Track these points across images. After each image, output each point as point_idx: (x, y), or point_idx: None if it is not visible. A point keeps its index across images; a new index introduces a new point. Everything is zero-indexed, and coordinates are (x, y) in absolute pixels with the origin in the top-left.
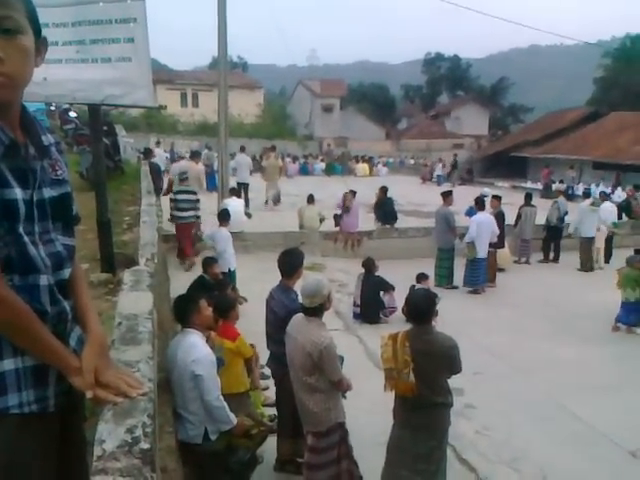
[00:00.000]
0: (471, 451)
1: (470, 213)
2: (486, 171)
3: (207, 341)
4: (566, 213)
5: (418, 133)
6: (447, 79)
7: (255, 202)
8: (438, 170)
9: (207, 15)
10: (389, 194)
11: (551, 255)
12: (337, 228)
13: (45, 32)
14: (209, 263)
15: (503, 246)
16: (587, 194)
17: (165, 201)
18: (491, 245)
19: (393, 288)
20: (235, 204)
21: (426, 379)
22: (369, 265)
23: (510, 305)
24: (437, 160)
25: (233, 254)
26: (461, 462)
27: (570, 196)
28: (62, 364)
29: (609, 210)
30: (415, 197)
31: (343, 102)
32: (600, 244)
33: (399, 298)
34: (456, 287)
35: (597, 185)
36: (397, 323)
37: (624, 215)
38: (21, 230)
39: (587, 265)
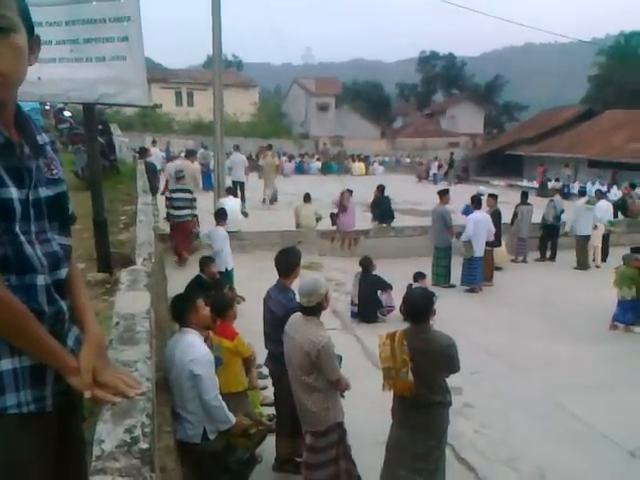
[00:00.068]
0: (470, 450)
1: (467, 212)
2: (482, 169)
3: (205, 340)
4: (562, 211)
5: (413, 132)
6: (442, 77)
7: (252, 201)
8: (434, 169)
9: (201, 13)
10: (386, 193)
11: (548, 254)
12: (334, 227)
13: (38, 31)
14: (206, 262)
15: (500, 245)
16: (582, 192)
17: (161, 200)
18: (488, 244)
19: (390, 287)
20: (232, 203)
21: (424, 378)
22: (366, 264)
23: (507, 304)
24: (433, 159)
25: (230, 253)
26: (460, 461)
27: (566, 194)
28: (60, 364)
29: (605, 208)
30: (411, 196)
31: (338, 101)
32: (597, 242)
33: (396, 297)
34: (453, 286)
35: (593, 183)
36: (395, 322)
37: (620, 213)
38: (17, 230)
39: (583, 263)
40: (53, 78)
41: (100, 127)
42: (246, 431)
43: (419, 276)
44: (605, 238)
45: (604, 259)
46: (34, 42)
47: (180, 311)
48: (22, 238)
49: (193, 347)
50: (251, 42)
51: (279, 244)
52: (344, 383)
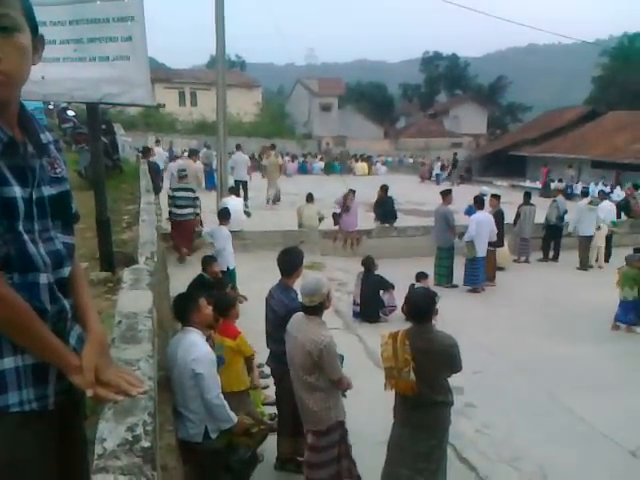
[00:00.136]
0: (471, 450)
1: (469, 212)
2: (484, 170)
3: (208, 340)
4: (565, 212)
5: (416, 132)
6: (445, 78)
7: (255, 201)
8: (437, 169)
9: (205, 14)
10: (389, 193)
11: (551, 254)
12: (336, 227)
13: (42, 30)
14: (208, 262)
15: (502, 245)
16: (585, 193)
17: (164, 199)
18: (490, 244)
19: (393, 287)
20: (234, 203)
21: (426, 378)
22: (369, 264)
23: (509, 304)
24: (436, 159)
25: (232, 253)
26: (461, 461)
27: (569, 195)
28: (62, 362)
29: (608, 209)
30: (414, 196)
31: (341, 101)
32: (601, 243)
33: (399, 297)
34: (456, 286)
35: (596, 184)
36: (397, 322)
37: (623, 214)
38: (20, 228)
39: (585, 264)
40: (57, 77)
41: (103, 127)
42: (248, 430)
43: (421, 276)
44: (608, 239)
45: (607, 260)
46: (38, 41)
47: (182, 310)
48: (25, 237)
49: (195, 346)
50: (254, 43)
51: (281, 244)
52: (346, 383)
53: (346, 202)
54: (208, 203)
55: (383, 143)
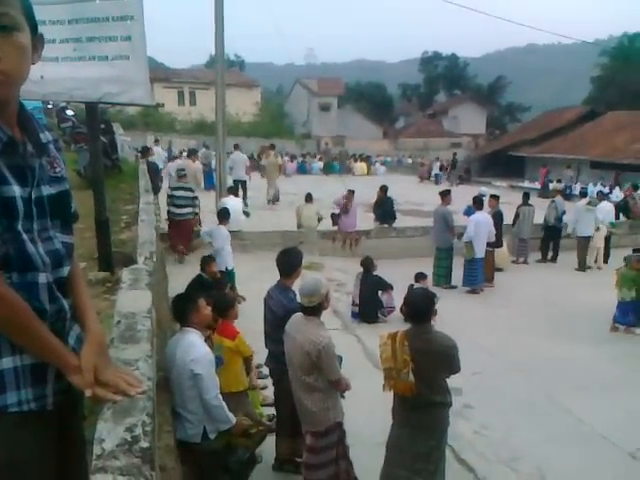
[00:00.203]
0: (469, 451)
1: (468, 212)
2: (483, 170)
3: (206, 340)
4: (564, 213)
5: (416, 132)
6: (444, 78)
7: (254, 201)
8: (436, 169)
9: (204, 13)
10: (388, 193)
11: (549, 255)
12: (335, 227)
13: (41, 30)
14: (207, 262)
15: (501, 246)
16: (584, 193)
17: (163, 199)
18: (489, 245)
19: (391, 287)
20: (233, 203)
21: (425, 379)
22: (367, 264)
23: (508, 305)
24: (435, 159)
25: (230, 253)
26: (459, 462)
27: (568, 196)
28: (61, 362)
29: (607, 210)
30: (413, 196)
31: (340, 101)
32: (600, 244)
33: (397, 297)
34: (454, 286)
35: (595, 185)
36: (395, 322)
37: (622, 215)
38: (20, 228)
39: (583, 265)
40: (56, 77)
41: (102, 126)
42: (246, 431)
43: (420, 277)
44: (607, 240)
45: (606, 260)
46: (38, 40)
47: (181, 311)
48: (24, 236)
49: (194, 347)
50: (254, 42)
51: (280, 244)
52: (344, 383)
53: (347, 205)
54: (207, 203)
55: (382, 143)
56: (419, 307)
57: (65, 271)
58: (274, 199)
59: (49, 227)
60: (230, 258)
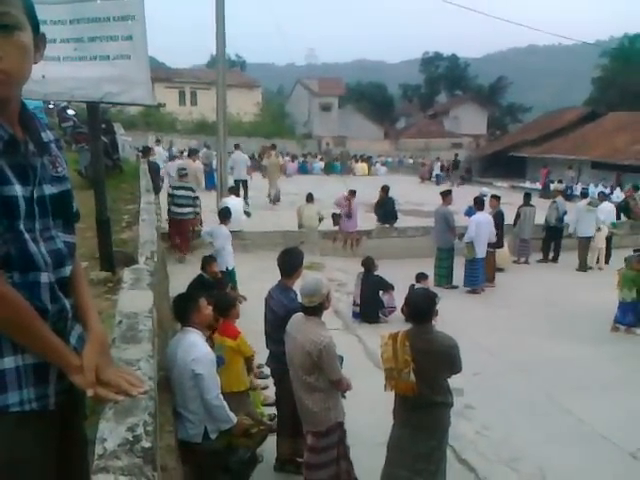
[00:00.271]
0: (470, 451)
1: (469, 213)
2: (484, 171)
3: (207, 340)
4: (565, 213)
5: (416, 132)
6: (445, 78)
7: (255, 201)
8: (437, 169)
9: (205, 13)
10: (389, 194)
11: (550, 255)
12: (336, 227)
13: (43, 29)
14: (208, 261)
15: (502, 246)
16: (585, 194)
17: (164, 199)
18: (490, 245)
19: (392, 287)
20: (234, 203)
21: (426, 379)
22: (368, 264)
23: (509, 305)
24: (435, 159)
25: (231, 253)
26: (460, 462)
27: (569, 196)
28: (63, 362)
29: (608, 210)
30: (414, 196)
31: (341, 101)
32: (601, 244)
33: (398, 298)
34: (455, 287)
35: (596, 185)
36: (396, 323)
37: (623, 215)
38: (22, 227)
39: (584, 265)
40: (57, 76)
41: (103, 126)
42: (247, 431)
43: (421, 277)
44: (608, 240)
45: (607, 261)
46: (39, 40)
47: (182, 310)
48: (26, 236)
49: (195, 346)
50: (255, 42)
51: (281, 244)
52: (345, 383)
53: (350, 209)
54: (208, 203)
55: (383, 143)
56: (420, 307)
57: (67, 271)
58: (275, 199)
59: (51, 227)
60: (231, 258)
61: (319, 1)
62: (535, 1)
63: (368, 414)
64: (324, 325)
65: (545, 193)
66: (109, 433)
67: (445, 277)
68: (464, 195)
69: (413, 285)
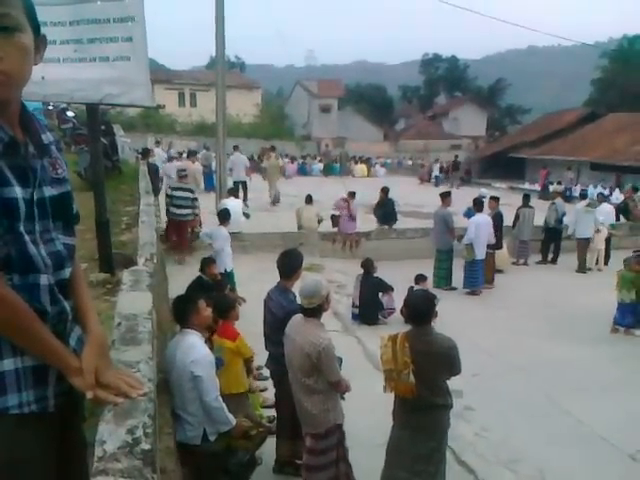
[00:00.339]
0: (469, 452)
1: (468, 214)
2: (484, 172)
3: (206, 342)
4: (564, 214)
5: (416, 134)
6: (445, 80)
7: (254, 202)
8: (436, 171)
9: (205, 15)
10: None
11: (549, 256)
12: (335, 229)
13: (43, 31)
14: (207, 263)
15: (501, 247)
16: (584, 195)
17: (163, 201)
18: (489, 246)
19: (392, 289)
20: (233, 204)
21: (426, 380)
22: (368, 266)
23: (508, 306)
24: (434, 161)
25: (230, 254)
26: (460, 464)
27: (568, 197)
28: (62, 364)
29: (607, 211)
30: (413, 198)
31: (341, 102)
32: (601, 246)
33: (398, 299)
34: (455, 288)
35: (595, 187)
36: (395, 324)
37: (622, 217)
38: (21, 229)
39: (583, 266)
40: (57, 78)
41: (103, 128)
42: (246, 433)
43: (420, 278)
44: (607, 241)
45: (606, 262)
46: (40, 41)
47: (182, 312)
48: (26, 238)
49: (194, 348)
50: (254, 44)
51: (281, 245)
52: (344, 385)
53: (349, 209)
54: (207, 204)
55: (382, 145)
56: (419, 309)
57: (67, 273)
58: (274, 200)
59: (51, 228)
60: (229, 259)
61: (318, 3)
62: (534, 3)
63: (367, 416)
64: (323, 327)
65: (544, 194)
66: (108, 435)
67: (444, 278)
68: (463, 196)
69: (412, 287)
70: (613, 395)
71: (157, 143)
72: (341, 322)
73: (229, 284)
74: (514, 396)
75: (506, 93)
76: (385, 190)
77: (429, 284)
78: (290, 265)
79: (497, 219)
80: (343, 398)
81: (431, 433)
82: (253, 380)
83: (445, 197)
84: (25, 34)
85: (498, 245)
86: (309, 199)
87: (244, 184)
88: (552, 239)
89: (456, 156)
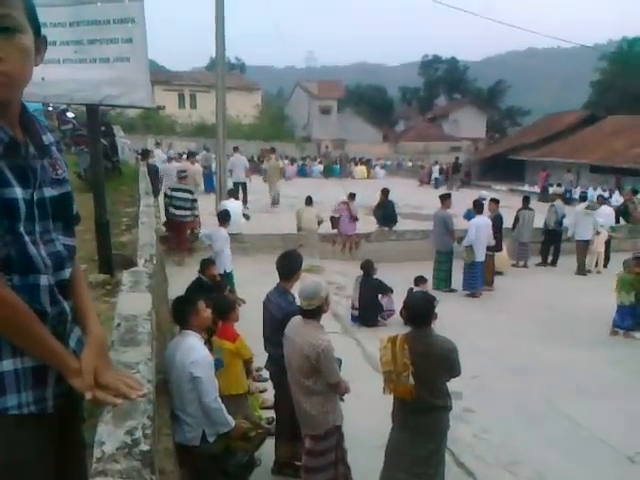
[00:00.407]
0: (469, 455)
1: (468, 216)
2: (483, 174)
3: (206, 343)
4: (564, 216)
5: (416, 135)
6: (444, 81)
7: (255, 204)
8: (435, 173)
9: (205, 16)
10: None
11: (549, 259)
12: (335, 230)
13: (42, 32)
14: (207, 264)
15: (501, 249)
16: (584, 197)
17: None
18: (489, 248)
19: (391, 291)
20: (233, 205)
21: (425, 382)
22: (367, 268)
23: (508, 308)
24: (434, 162)
25: (230, 255)
26: (459, 466)
27: (567, 199)
28: (62, 365)
29: (607, 214)
30: (413, 199)
31: (341, 104)
32: (600, 248)
33: (397, 301)
34: (454, 290)
35: (594, 189)
36: (395, 326)
37: (622, 219)
38: (22, 230)
39: (582, 269)
40: (57, 79)
41: (103, 129)
42: (245, 434)
43: (420, 280)
44: (607, 244)
45: (606, 265)
46: (40, 42)
47: (181, 313)
48: (26, 238)
49: (193, 349)
50: (254, 45)
51: (280, 247)
52: (344, 386)
53: (349, 211)
54: (207, 206)
55: (382, 146)
56: (419, 311)
57: (67, 273)
58: (274, 201)
59: (51, 229)
60: (229, 261)
61: (318, 4)
62: (534, 4)
63: (366, 417)
64: (322, 328)
65: (544, 196)
66: (107, 436)
67: (444, 280)
68: (463, 198)
69: (412, 288)
70: (612, 397)
71: (157, 144)
72: (340, 324)
73: (228, 285)
74: (513, 398)
75: (506, 95)
76: (385, 192)
77: (429, 286)
78: (289, 266)
79: (497, 221)
80: (342, 399)
81: (430, 435)
82: (252, 381)
83: (445, 199)
84: (26, 35)
85: (498, 247)
86: (309, 200)
87: (244, 185)
88: (552, 241)
89: (457, 158)
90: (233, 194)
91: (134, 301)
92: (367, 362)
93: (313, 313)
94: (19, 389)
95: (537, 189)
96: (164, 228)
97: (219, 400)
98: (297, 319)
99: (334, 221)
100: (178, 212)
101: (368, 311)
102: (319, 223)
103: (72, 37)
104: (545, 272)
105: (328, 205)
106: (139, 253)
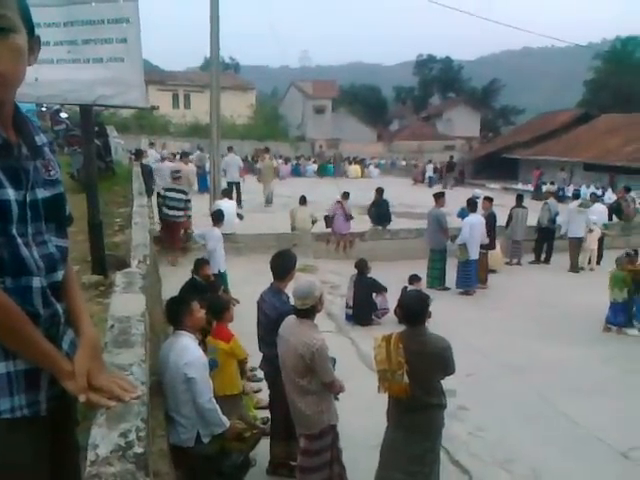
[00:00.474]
0: (464, 453)
1: (462, 215)
2: (477, 173)
3: (200, 344)
4: (557, 214)
5: (410, 135)
6: (439, 81)
7: (249, 204)
8: (429, 171)
9: (199, 16)
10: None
11: (542, 256)
12: (329, 229)
13: (36, 32)
14: (200, 264)
15: (494, 247)
16: (577, 195)
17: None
18: (482, 246)
19: (385, 289)
20: (227, 205)
21: (420, 380)
22: (361, 266)
23: (502, 306)
24: (427, 161)
25: (223, 255)
26: (454, 464)
27: (561, 198)
28: (55, 367)
29: (600, 211)
30: (407, 198)
31: (335, 103)
32: (593, 245)
33: (391, 299)
34: (448, 288)
35: (587, 187)
36: (389, 325)
37: (615, 216)
38: (14, 231)
39: (575, 266)
40: (51, 79)
41: (96, 129)
42: (240, 434)
43: (414, 279)
44: (600, 241)
45: (599, 262)
46: (34, 42)
47: (175, 314)
48: (19, 240)
49: (187, 350)
50: (249, 45)
51: (274, 247)
52: (338, 386)
53: (343, 211)
54: (201, 206)
55: (376, 146)
56: (413, 309)
57: (59, 275)
58: (268, 201)
59: (43, 231)
60: (222, 261)
61: (313, 3)
62: (529, 4)
63: (361, 416)
64: (317, 327)
65: (537, 195)
66: (101, 439)
67: (438, 279)
68: (457, 197)
69: (406, 287)
70: (606, 394)
71: (151, 144)
72: (335, 323)
73: (222, 285)
74: (508, 396)
75: (500, 94)
76: (380, 191)
77: (422, 284)
78: (283, 266)
79: (490, 219)
80: (337, 399)
81: (425, 433)
82: (247, 381)
83: (439, 197)
84: (20, 35)
85: (491, 245)
86: (303, 200)
87: (237, 185)
88: (545, 239)
89: (451, 157)
90: (227, 194)
91: (127, 302)
92: (361, 361)
93: (307, 312)
94: (12, 392)
95: (531, 187)
96: (158, 228)
97: (213, 401)
98: (291, 319)
99: (328, 220)
100: (171, 212)
101: (362, 310)
102: (313, 223)
103: (66, 37)
104: (538, 270)
105: (322, 205)
106: (132, 254)
